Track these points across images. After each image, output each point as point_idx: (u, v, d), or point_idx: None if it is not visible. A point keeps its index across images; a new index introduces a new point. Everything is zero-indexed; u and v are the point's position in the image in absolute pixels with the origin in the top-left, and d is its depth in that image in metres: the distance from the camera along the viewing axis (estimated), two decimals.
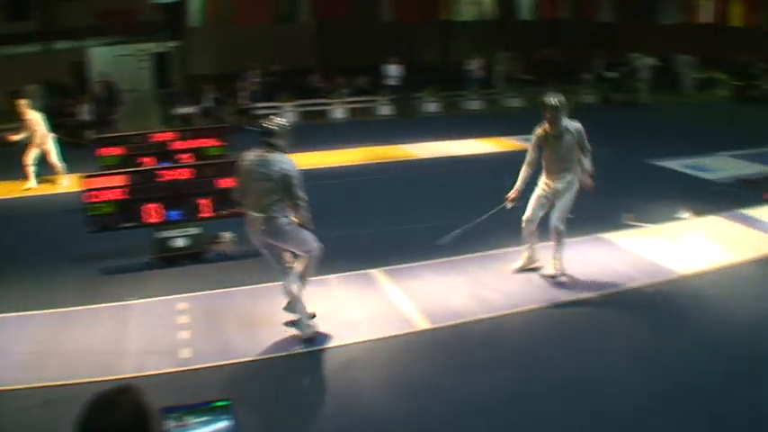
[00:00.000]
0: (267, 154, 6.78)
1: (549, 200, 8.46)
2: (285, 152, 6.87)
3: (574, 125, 8.25)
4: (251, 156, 6.87)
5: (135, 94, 34.43)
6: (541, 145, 8.36)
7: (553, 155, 8.32)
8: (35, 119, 14.23)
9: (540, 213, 8.53)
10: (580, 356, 6.67)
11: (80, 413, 2.26)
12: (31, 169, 14.13)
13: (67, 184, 14.16)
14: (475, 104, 24.99)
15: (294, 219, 7.03)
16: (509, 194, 8.48)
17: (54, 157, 14.40)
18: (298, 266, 7.31)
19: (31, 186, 14.15)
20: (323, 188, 13.11)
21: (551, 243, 8.52)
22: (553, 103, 8.11)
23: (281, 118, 7.18)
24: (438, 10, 25.83)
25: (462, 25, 26.62)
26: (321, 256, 7.35)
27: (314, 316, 7.41)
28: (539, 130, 8.37)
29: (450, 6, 25.77)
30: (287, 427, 5.73)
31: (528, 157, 8.49)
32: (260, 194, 6.81)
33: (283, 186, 6.76)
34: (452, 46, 28.76)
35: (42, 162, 14.38)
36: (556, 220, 8.36)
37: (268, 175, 6.73)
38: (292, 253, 7.30)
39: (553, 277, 8.51)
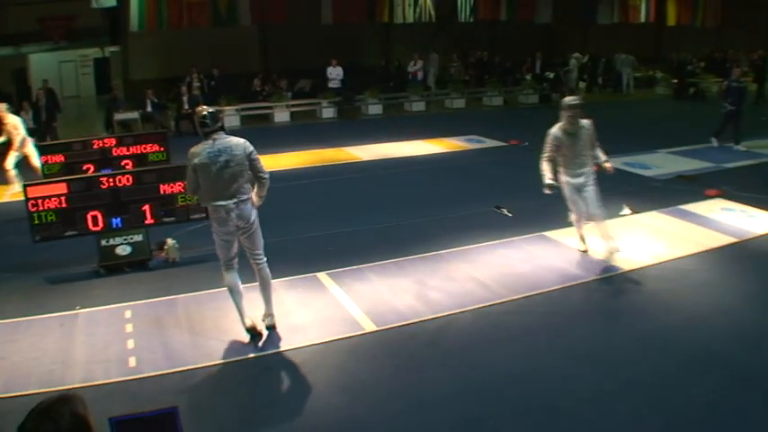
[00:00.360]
0: (222, 141, 6.88)
1: (579, 192, 9.01)
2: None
3: (587, 122, 8.92)
4: (202, 150, 6.88)
5: (76, 100, 33.93)
6: (559, 144, 8.91)
7: (572, 151, 8.91)
8: (14, 123, 13.95)
9: (582, 206, 9.07)
10: (524, 354, 6.82)
11: (21, 421, 2.30)
12: (14, 173, 13.83)
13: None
14: (417, 106, 25.19)
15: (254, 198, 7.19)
16: (547, 182, 8.86)
17: (36, 161, 14.11)
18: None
19: (17, 191, 13.84)
20: (268, 191, 13.13)
21: (596, 231, 9.20)
22: (575, 102, 8.85)
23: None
24: (378, 13, 25.99)
25: (402, 27, 26.81)
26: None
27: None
28: (556, 130, 8.97)
29: (389, 9, 25.95)
30: None
31: (547, 155, 9.01)
32: (226, 182, 6.89)
33: (250, 165, 6.95)
34: (393, 48, 28.95)
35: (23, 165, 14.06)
36: (594, 209, 9.00)
37: (232, 160, 6.84)
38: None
39: (612, 253, 9.07)
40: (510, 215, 11.10)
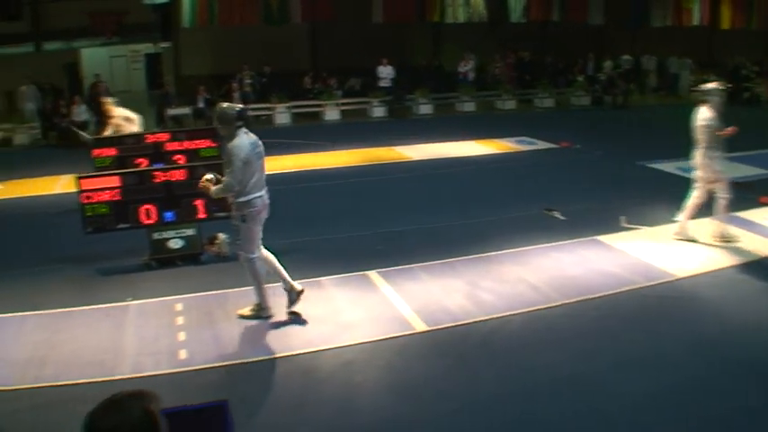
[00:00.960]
0: (251, 134, 7.32)
1: None
2: None
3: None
4: (246, 143, 7.20)
5: (127, 95, 34.38)
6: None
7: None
8: (123, 116, 14.16)
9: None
10: (575, 358, 6.69)
11: (92, 409, 2.27)
12: None
13: None
14: (467, 106, 25.04)
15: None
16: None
17: None
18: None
19: None
20: (317, 190, 13.19)
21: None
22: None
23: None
24: (428, 12, 25.89)
25: (453, 27, 26.67)
26: None
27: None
28: (710, 116, 9.39)
29: (440, 8, 25.83)
30: (284, 429, 5.72)
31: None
32: (261, 173, 7.36)
33: None
34: (444, 48, 28.81)
35: None
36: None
37: (262, 152, 7.37)
38: None
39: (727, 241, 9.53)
40: (562, 218, 10.92)
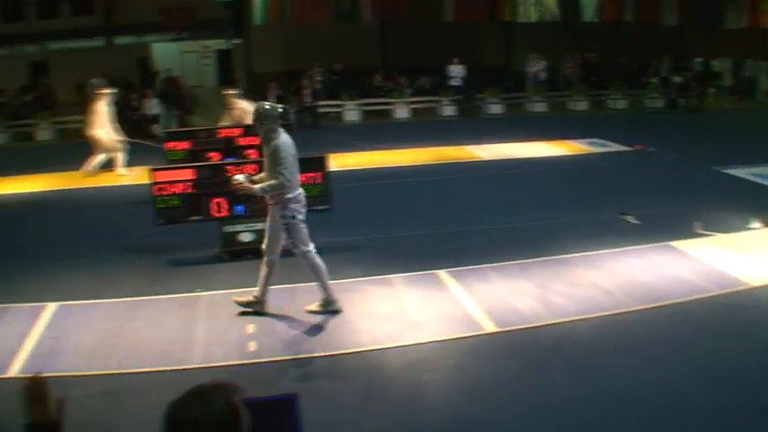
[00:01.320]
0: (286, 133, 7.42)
1: None
2: None
3: None
4: (288, 140, 7.37)
5: (198, 90, 34.90)
6: None
7: None
8: (244, 109, 14.49)
9: None
10: (648, 365, 6.48)
11: (174, 399, 2.25)
12: None
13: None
14: (538, 106, 24.75)
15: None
16: None
17: None
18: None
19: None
20: (386, 187, 13.16)
21: None
22: None
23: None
24: (499, 11, 25.64)
25: (525, 26, 26.37)
26: None
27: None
28: None
29: (512, 7, 25.56)
30: (352, 425, 5.71)
31: None
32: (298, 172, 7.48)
33: None
34: (515, 47, 28.53)
35: None
36: None
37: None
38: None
39: None
40: (635, 223, 10.67)
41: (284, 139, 7.30)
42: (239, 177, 7.60)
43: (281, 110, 7.42)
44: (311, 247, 7.59)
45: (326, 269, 7.70)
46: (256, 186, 7.43)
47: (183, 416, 2.18)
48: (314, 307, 7.71)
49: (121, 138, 14.63)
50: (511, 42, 28.63)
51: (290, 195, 7.33)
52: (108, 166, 15.13)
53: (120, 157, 14.89)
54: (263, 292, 7.69)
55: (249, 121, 13.44)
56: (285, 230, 7.46)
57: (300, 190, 7.47)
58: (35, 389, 2.60)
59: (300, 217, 7.44)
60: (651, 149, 16.37)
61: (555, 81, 26.45)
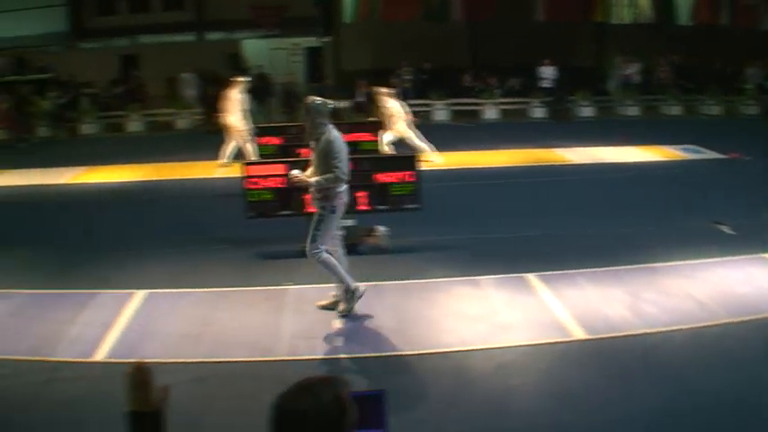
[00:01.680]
0: None
1: None
2: None
3: None
4: (339, 135, 7.40)
5: (287, 87, 35.31)
6: None
7: None
8: (393, 108, 15.01)
9: None
10: (743, 382, 6.21)
11: (282, 391, 2.26)
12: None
13: (439, 161, 15.05)
14: (630, 110, 24.22)
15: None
16: None
17: (416, 141, 15.12)
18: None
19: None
20: (475, 188, 13.09)
21: None
22: None
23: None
24: (592, 12, 25.18)
25: (618, 28, 25.83)
26: None
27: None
28: None
29: (605, 8, 25.06)
30: (437, 425, 5.67)
31: None
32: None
33: None
34: (607, 49, 28.00)
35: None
36: None
37: None
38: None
39: None
40: (731, 233, 10.33)
41: (336, 133, 7.31)
42: (295, 171, 7.61)
43: (331, 105, 7.43)
44: (326, 245, 7.54)
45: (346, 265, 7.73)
46: (312, 179, 7.40)
47: (291, 408, 2.20)
48: (327, 302, 7.84)
49: (250, 127, 14.93)
50: (603, 44, 28.11)
51: (339, 189, 7.35)
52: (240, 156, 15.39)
53: (249, 147, 15.17)
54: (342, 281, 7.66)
55: (393, 121, 14.00)
56: (317, 221, 7.42)
57: (346, 186, 7.47)
58: (138, 376, 2.64)
59: (338, 213, 7.47)
60: (747, 158, 15.83)
61: (648, 84, 25.83)
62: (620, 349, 6.83)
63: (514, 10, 23.89)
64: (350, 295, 7.60)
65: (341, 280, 7.59)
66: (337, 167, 7.20)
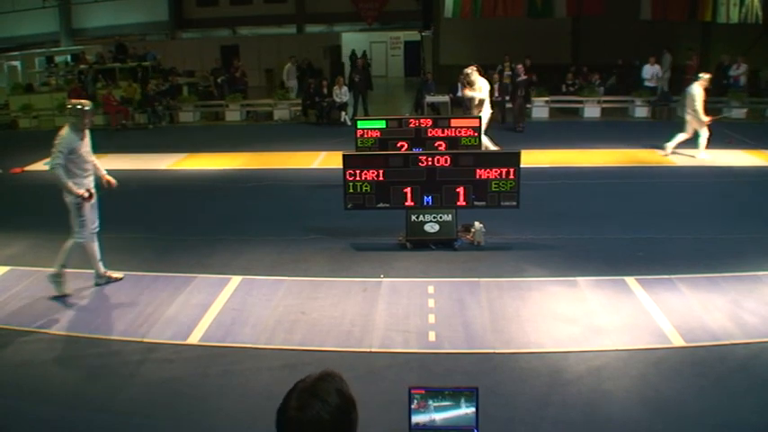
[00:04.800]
0: None
1: None
2: None
3: None
4: None
5: (384, 80, 35.60)
6: None
7: None
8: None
9: None
10: None
11: (286, 398, 2.28)
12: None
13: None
14: (736, 112, 23.34)
15: None
16: None
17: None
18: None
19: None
20: (576, 187, 12.92)
21: None
22: None
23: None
24: (700, 11, 24.38)
25: (724, 28, 24.96)
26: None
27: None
28: None
29: (713, 7, 24.24)
30: (528, 425, 5.66)
31: None
32: None
33: None
34: (713, 49, 27.13)
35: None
36: None
37: None
38: None
39: None
40: None
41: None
42: None
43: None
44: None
45: None
46: None
47: (305, 417, 2.19)
48: None
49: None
50: (708, 43, 27.26)
51: None
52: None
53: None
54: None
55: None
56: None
57: None
58: None
59: None
60: None
61: (756, 86, 24.87)
62: (718, 358, 6.65)
63: (621, 7, 23.37)
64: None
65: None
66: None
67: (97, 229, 8.50)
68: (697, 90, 15.17)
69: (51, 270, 8.33)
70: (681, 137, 15.47)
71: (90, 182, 8.32)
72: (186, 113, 24.03)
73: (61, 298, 8.23)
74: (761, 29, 24.62)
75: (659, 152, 15.71)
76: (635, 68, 23.77)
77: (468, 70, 14.25)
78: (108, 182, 8.62)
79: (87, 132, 8.34)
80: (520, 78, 19.95)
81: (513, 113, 20.19)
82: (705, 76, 15.39)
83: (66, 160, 8.02)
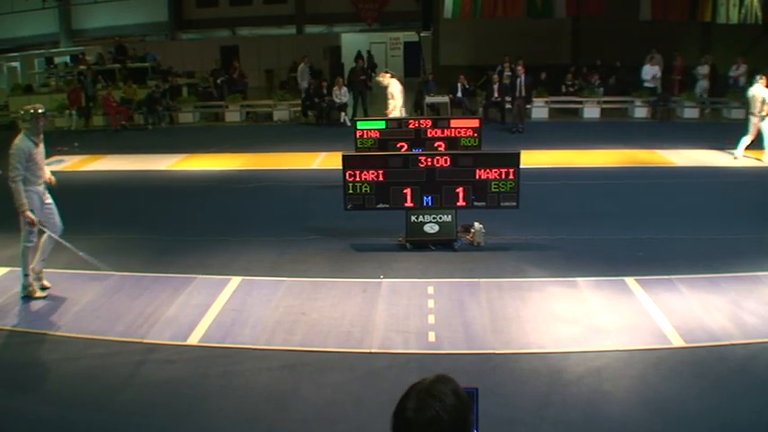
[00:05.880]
0: None
1: None
2: None
3: None
4: None
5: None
6: None
7: None
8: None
9: None
10: None
11: (403, 400, 2.28)
12: None
13: None
14: (735, 113, 23.34)
15: None
16: None
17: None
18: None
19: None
20: (575, 188, 12.91)
21: None
22: None
23: None
24: (700, 11, 24.37)
25: (723, 28, 24.96)
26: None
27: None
28: None
29: (713, 8, 24.23)
30: (529, 426, 5.66)
31: None
32: None
33: None
34: (712, 49, 27.12)
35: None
36: None
37: None
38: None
39: None
40: None
41: None
42: None
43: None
44: None
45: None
46: None
47: (425, 418, 2.18)
48: None
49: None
50: (708, 44, 27.24)
51: None
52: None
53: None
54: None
55: None
56: None
57: None
58: None
59: None
60: None
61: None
62: (718, 359, 6.67)
63: (620, 8, 23.36)
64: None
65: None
66: None
67: (60, 231, 8.49)
68: (760, 90, 15.12)
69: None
70: (746, 140, 15.41)
71: (42, 188, 8.23)
72: (186, 114, 24.02)
73: (60, 299, 8.25)
74: (760, 29, 24.62)
75: (731, 156, 15.57)
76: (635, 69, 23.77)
77: (380, 78, 14.76)
78: (49, 180, 8.42)
79: (41, 137, 8.20)
80: (520, 78, 19.89)
81: (513, 114, 20.17)
82: (763, 78, 15.30)
83: (24, 169, 7.91)
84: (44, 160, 8.32)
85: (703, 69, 23.41)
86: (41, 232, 8.23)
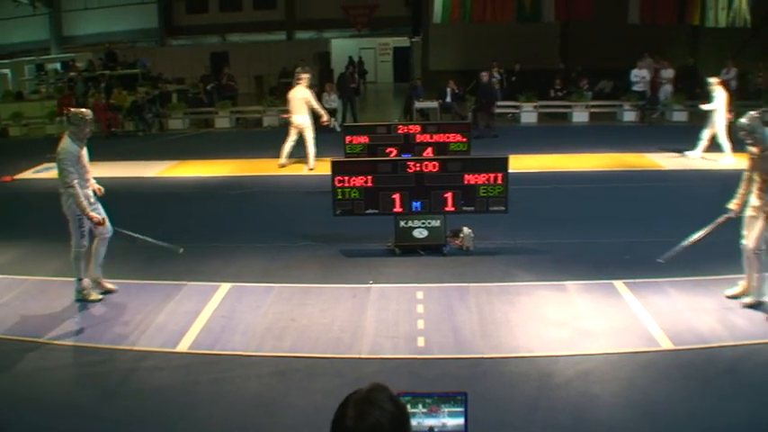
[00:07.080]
0: None
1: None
2: None
3: None
4: None
5: (374, 86, 35.64)
6: None
7: None
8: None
9: None
10: None
11: (341, 409, 2.30)
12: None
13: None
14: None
15: None
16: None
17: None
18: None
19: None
20: (565, 192, 12.96)
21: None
22: None
23: None
24: (689, 14, 24.47)
25: (712, 32, 25.07)
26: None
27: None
28: None
29: (702, 11, 24.34)
30: (518, 429, 5.70)
31: None
32: None
33: None
34: (700, 53, 27.23)
35: None
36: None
37: None
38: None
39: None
40: None
41: None
42: None
43: None
44: None
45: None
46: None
47: (366, 426, 2.21)
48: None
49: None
50: (697, 47, 27.36)
51: None
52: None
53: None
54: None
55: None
56: None
57: None
58: None
59: None
60: None
61: (744, 90, 24.96)
62: (707, 361, 6.69)
63: (609, 12, 23.44)
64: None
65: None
66: None
67: (110, 233, 8.54)
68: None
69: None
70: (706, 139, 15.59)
71: (90, 192, 8.27)
72: (176, 121, 24.03)
73: (50, 306, 8.25)
74: (749, 32, 24.74)
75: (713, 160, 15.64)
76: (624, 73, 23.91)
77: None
78: (98, 190, 8.52)
79: (86, 142, 8.21)
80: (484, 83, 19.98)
81: (485, 119, 20.16)
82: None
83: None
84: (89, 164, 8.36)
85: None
86: (93, 237, 8.24)
